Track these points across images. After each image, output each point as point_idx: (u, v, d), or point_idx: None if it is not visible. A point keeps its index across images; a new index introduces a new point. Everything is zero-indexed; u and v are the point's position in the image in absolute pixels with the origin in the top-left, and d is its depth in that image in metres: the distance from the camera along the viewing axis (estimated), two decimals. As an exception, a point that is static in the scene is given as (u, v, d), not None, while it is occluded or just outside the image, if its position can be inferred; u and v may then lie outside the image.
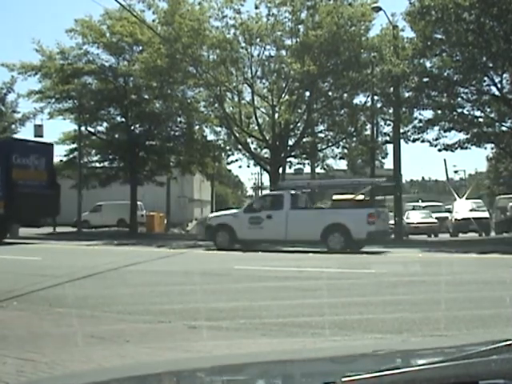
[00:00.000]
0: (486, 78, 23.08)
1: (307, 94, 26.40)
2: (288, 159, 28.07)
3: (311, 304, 7.70)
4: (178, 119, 30.43)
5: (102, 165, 32.02)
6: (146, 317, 7.03)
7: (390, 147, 28.35)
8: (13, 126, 37.54)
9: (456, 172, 66.71)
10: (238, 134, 27.03)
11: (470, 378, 1.25)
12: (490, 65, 22.51)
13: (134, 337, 5.79)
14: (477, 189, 53.36)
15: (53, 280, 10.11)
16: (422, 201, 40.73)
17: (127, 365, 3.84)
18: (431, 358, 1.71)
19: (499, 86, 22.97)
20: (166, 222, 36.01)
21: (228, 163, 34.41)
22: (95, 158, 32.16)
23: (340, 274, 11.31)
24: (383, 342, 5.35)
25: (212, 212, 49.17)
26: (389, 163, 35.13)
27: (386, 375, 1.28)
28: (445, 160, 44.99)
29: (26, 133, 48.97)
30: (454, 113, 23.95)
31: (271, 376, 1.90)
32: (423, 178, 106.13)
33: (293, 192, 18.96)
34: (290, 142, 27.26)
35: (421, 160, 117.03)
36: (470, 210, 28.18)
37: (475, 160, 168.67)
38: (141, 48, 27.65)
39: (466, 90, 23.60)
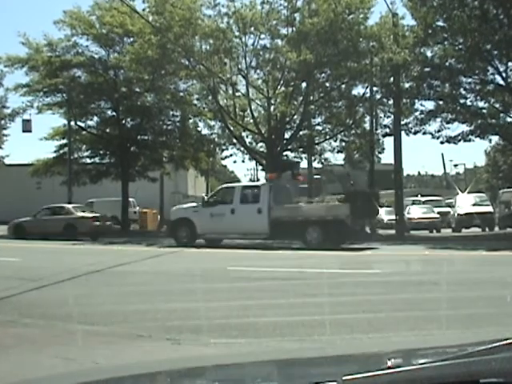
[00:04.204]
0: (489, 67, 22.23)
1: (304, 85, 25.60)
2: (284, 153, 27.19)
3: (310, 310, 6.94)
4: (171, 113, 29.75)
5: (92, 160, 31.16)
6: (124, 329, 6.21)
7: (386, 142, 27.56)
8: (2, 122, 36.72)
9: (456, 166, 66.16)
10: (232, 128, 26.24)
11: (470, 376, 1.25)
12: (495, 53, 21.73)
13: (107, 357, 4.91)
14: (475, 183, 52.75)
15: (29, 284, 9.42)
16: (422, 195, 39.86)
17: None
18: (432, 356, 1.68)
19: (504, 75, 22.04)
20: (159, 218, 35.13)
21: (222, 158, 33.61)
22: (86, 154, 31.34)
23: (341, 274, 10.57)
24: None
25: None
26: (385, 158, 34.47)
27: (386, 374, 1.29)
28: (442, 154, 44.37)
29: (15, 128, 48.00)
30: (457, 103, 23.05)
31: (272, 375, 1.92)
32: (419, 172, 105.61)
33: None
34: (287, 136, 26.44)
35: (417, 154, 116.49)
36: (473, 205, 27.27)
37: (472, 154, 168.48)
38: (131, 39, 26.77)
39: (470, 80, 22.72)
